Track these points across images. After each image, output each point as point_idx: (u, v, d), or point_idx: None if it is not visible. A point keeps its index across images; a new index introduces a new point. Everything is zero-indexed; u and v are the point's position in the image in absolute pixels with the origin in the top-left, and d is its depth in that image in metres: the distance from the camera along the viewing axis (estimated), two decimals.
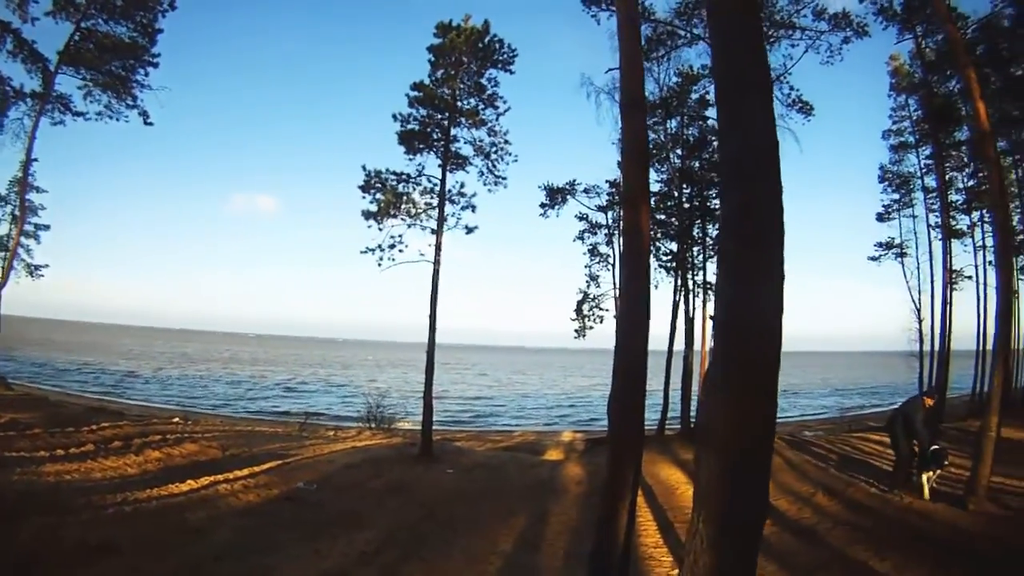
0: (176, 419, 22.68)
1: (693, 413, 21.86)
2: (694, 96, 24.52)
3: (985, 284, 27.93)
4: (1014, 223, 30.86)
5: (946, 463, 11.36)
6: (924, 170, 29.44)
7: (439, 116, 19.97)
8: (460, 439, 24.24)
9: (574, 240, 25.93)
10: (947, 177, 27.88)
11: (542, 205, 24.10)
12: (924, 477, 11.40)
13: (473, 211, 20.40)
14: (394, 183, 19.53)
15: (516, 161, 21.18)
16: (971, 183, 28.52)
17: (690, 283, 24.47)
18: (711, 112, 23.13)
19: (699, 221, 25.07)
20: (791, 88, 22.61)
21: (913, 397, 12.85)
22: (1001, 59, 25.39)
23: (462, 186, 20.25)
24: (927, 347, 27.06)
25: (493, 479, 15.02)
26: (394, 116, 19.78)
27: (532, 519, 11.48)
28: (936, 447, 11.55)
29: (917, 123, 29.60)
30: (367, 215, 19.26)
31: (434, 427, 18.55)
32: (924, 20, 24.35)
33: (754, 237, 4.14)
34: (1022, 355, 32.60)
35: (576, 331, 25.15)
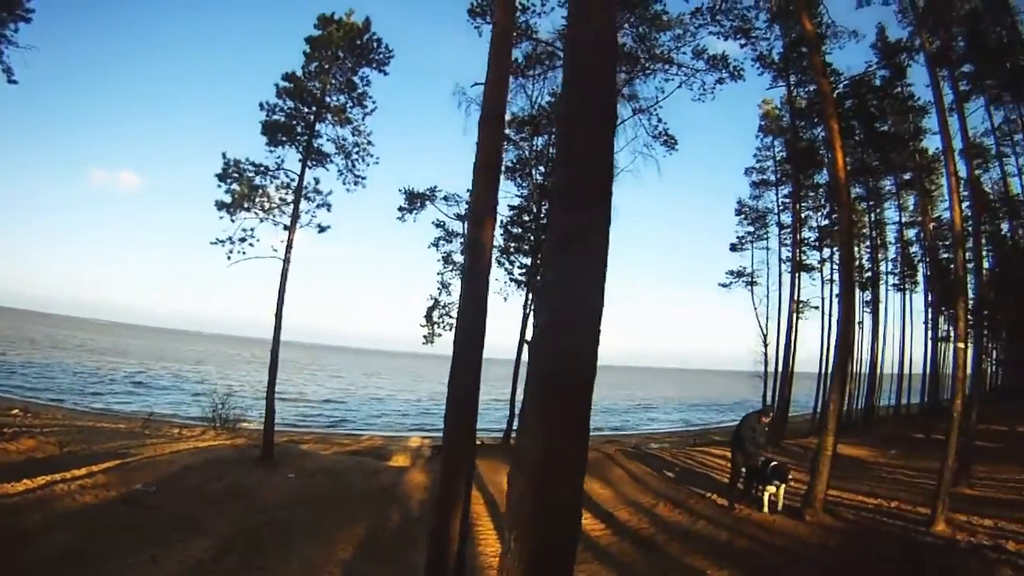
0: (15, 411, 21.17)
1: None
2: None
3: (830, 315, 30.34)
4: (865, 262, 33.62)
5: (788, 478, 11.81)
6: (781, 207, 31.52)
7: (306, 110, 19.39)
8: (307, 442, 23.43)
9: (429, 247, 25.72)
10: (802, 215, 29.82)
11: (401, 209, 23.72)
12: (766, 492, 11.84)
13: (328, 210, 19.86)
14: (252, 174, 18.77)
15: (378, 163, 20.95)
16: (825, 223, 30.81)
17: None
18: None
19: None
20: (659, 120, 23.29)
21: (749, 414, 13.34)
22: (869, 114, 27.38)
23: (317, 183, 19.67)
24: (772, 368, 28.74)
25: (336, 485, 14.63)
26: (261, 105, 19.02)
27: (373, 527, 11.33)
28: (777, 463, 12.05)
29: (780, 163, 31.72)
30: (220, 205, 18.36)
31: (282, 429, 17.91)
32: (798, 71, 25.74)
33: (578, 266, 4.08)
34: (861, 379, 35.48)
35: (425, 337, 24.86)
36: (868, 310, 34.79)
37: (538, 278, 19.67)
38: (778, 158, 31.99)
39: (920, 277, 36.84)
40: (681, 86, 22.39)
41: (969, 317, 15.74)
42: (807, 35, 15.82)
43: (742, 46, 23.57)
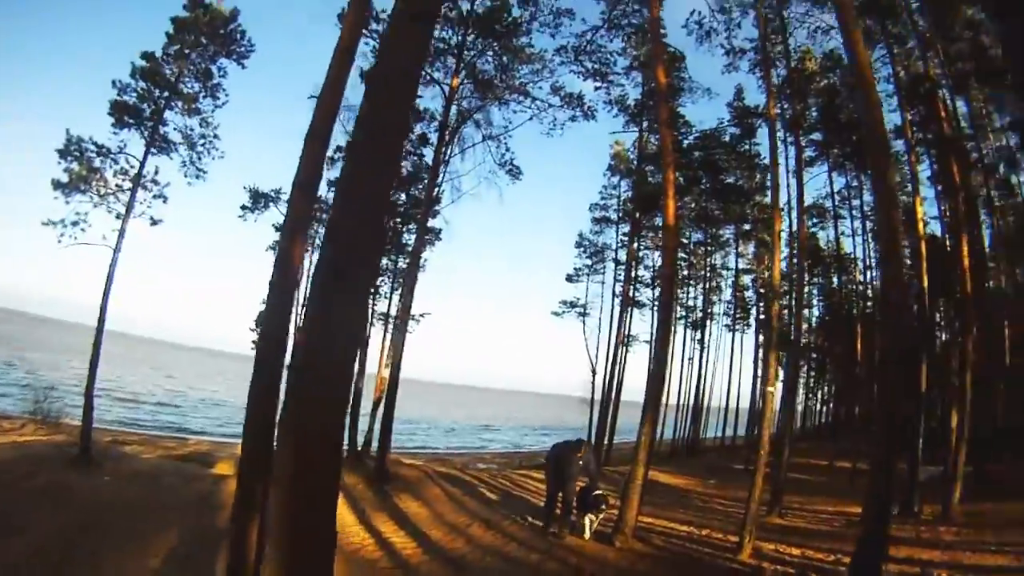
0: None
1: (360, 439, 22.79)
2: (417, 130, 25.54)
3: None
4: (699, 302, 35.59)
5: (604, 506, 12.23)
6: (619, 244, 33.08)
7: (157, 93, 18.69)
8: (132, 443, 22.28)
9: (267, 250, 25.43)
10: (639, 254, 31.67)
11: (244, 207, 23.03)
12: (586, 518, 12.18)
13: (164, 202, 19.31)
14: (93, 155, 17.84)
15: (223, 157, 20.51)
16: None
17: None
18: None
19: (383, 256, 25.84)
20: (507, 149, 24.28)
21: (565, 447, 13.59)
22: (716, 166, 28.99)
23: (157, 172, 19.08)
24: (601, 396, 29.57)
25: (154, 489, 14.17)
26: (113, 83, 18.23)
27: (187, 535, 11.09)
28: (598, 492, 12.39)
29: (623, 203, 33.13)
30: (56, 185, 17.43)
31: (108, 428, 16.87)
32: (651, 118, 26.91)
33: (343, 302, 4.21)
34: (687, 411, 37.54)
35: (254, 343, 24.39)
36: (698, 347, 37.56)
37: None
38: (622, 198, 33.36)
39: (752, 320, 39.63)
40: (532, 119, 23.50)
41: (779, 364, 16.85)
42: (659, 88, 16.59)
43: (596, 88, 24.51)
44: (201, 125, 19.70)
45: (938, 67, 21.65)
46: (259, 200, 23.72)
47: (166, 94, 18.72)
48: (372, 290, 25.01)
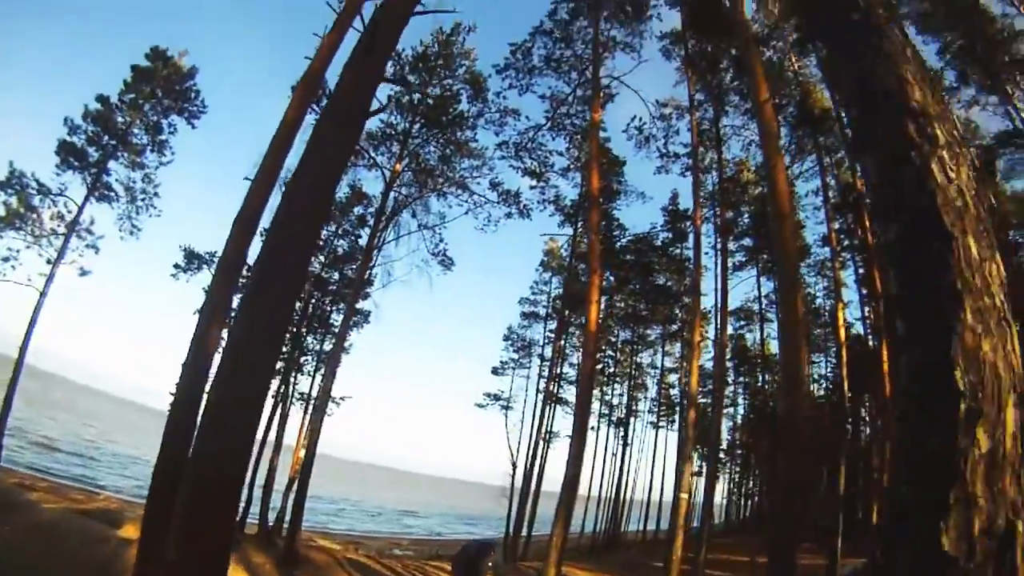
0: None
1: (271, 516, 22.29)
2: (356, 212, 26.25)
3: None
4: (623, 400, 36.37)
5: None
6: (546, 340, 33.61)
7: (106, 139, 18.74)
8: (39, 489, 21.35)
9: (194, 313, 25.00)
10: (565, 352, 32.25)
11: (176, 266, 23.02)
12: None
13: (96, 253, 19.34)
14: (33, 192, 17.81)
15: (160, 215, 20.84)
16: None
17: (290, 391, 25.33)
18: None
19: (308, 334, 26.40)
20: (441, 240, 24.77)
21: (479, 544, 13.69)
22: (647, 268, 29.99)
23: (92, 222, 19.14)
24: (520, 488, 29.36)
25: (55, 548, 13.39)
26: (65, 120, 18.43)
27: None
28: None
29: (553, 300, 33.92)
30: None
31: (15, 468, 16.23)
32: (585, 220, 27.51)
33: (235, 395, 4.51)
34: (607, 504, 37.60)
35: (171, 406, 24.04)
36: (621, 442, 37.75)
37: None
38: (552, 294, 34.20)
39: (677, 417, 40.08)
40: (468, 213, 23.97)
41: (700, 461, 17.27)
42: (591, 192, 17.38)
43: (532, 188, 25.21)
44: (144, 180, 19.90)
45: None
46: (193, 260, 23.60)
47: (114, 142, 18.88)
48: (294, 369, 25.19)
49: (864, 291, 23.16)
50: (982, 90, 25.50)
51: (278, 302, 5.34)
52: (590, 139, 18.26)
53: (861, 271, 23.94)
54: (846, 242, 25.19)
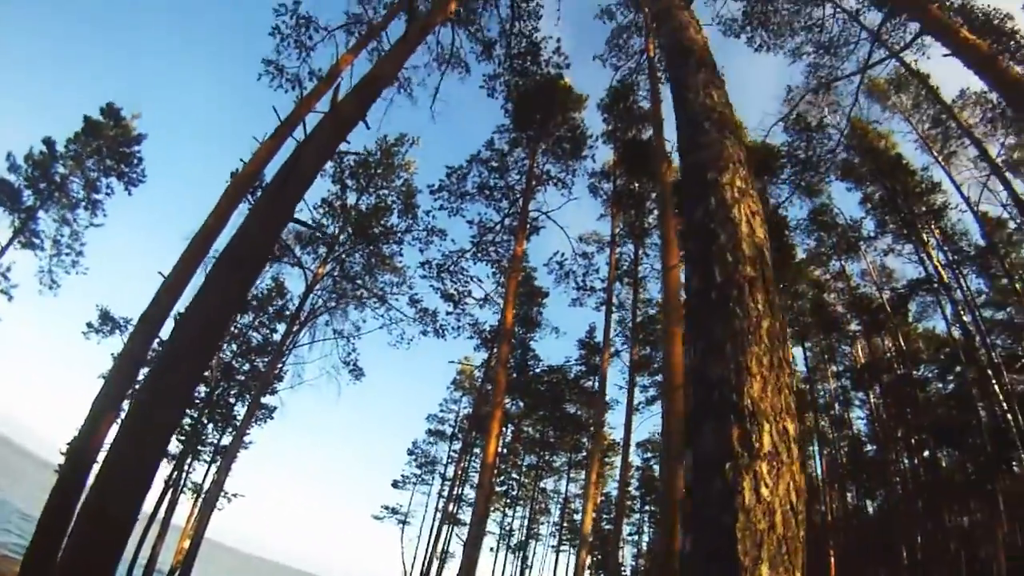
0: None
1: None
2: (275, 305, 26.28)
3: None
4: (524, 524, 36.05)
5: None
6: (449, 460, 33.83)
7: (43, 185, 18.87)
8: None
9: (98, 377, 24.16)
10: (467, 474, 31.86)
11: (89, 325, 22.14)
12: None
13: (9, 300, 19.41)
14: None
15: (86, 274, 20.58)
16: None
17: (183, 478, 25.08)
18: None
19: (209, 423, 26.18)
20: (354, 349, 24.79)
21: None
22: (558, 398, 30.42)
23: (9, 269, 19.21)
24: None
25: None
26: (8, 155, 18.66)
27: None
28: None
29: (460, 420, 34.10)
30: None
31: None
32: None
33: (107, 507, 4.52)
34: None
35: None
36: (519, 565, 37.19)
37: None
38: (461, 414, 34.39)
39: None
40: (383, 327, 23.98)
41: None
42: (504, 328, 17.52)
43: (448, 314, 24.76)
44: (71, 237, 19.58)
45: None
46: (107, 322, 22.88)
47: (51, 189, 18.65)
48: (191, 455, 24.40)
49: None
50: (899, 239, 27.49)
51: (155, 439, 5.47)
52: (510, 275, 18.60)
53: None
54: None
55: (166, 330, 9.63)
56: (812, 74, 21.34)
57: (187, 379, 6.30)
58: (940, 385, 30.33)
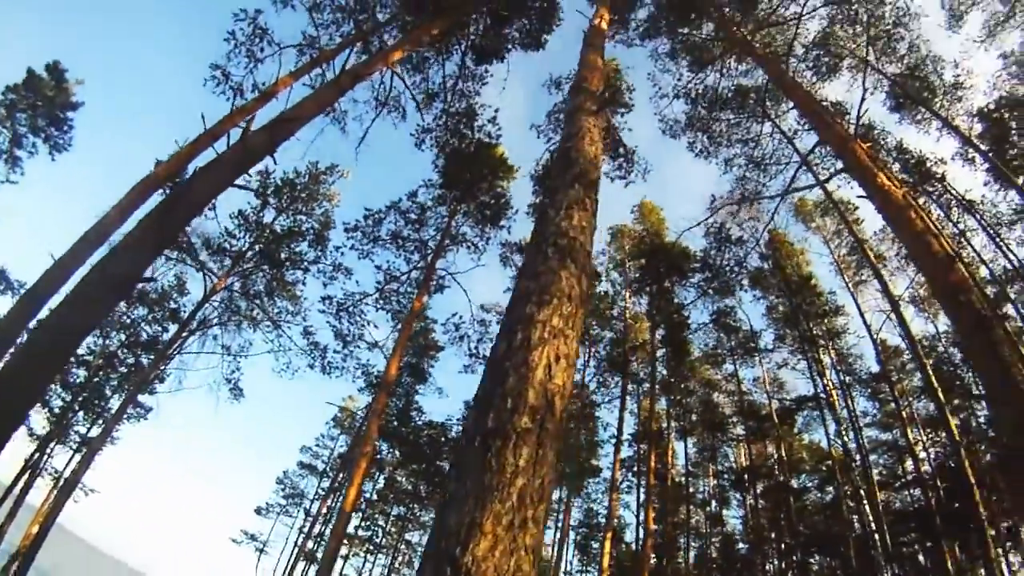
0: None
1: None
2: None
3: None
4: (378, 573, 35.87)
5: None
6: (316, 496, 33.94)
7: None
8: None
9: None
10: (332, 513, 31.93)
11: None
12: None
13: None
14: None
15: None
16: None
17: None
18: None
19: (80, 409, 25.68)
20: (238, 368, 24.73)
21: None
22: (436, 455, 30.49)
23: None
24: None
25: None
26: None
27: None
28: None
29: (334, 458, 34.34)
30: None
31: None
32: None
33: None
34: None
35: None
36: None
37: None
38: (336, 453, 34.19)
39: None
40: (272, 352, 23.76)
41: None
42: (386, 379, 17.32)
43: (336, 352, 24.26)
44: None
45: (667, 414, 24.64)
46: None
47: None
48: (54, 440, 23.59)
49: (641, 516, 24.05)
50: (795, 353, 28.34)
51: None
52: (403, 327, 18.46)
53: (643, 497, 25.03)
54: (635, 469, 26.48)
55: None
56: (740, 186, 21.77)
57: (23, 391, 6.40)
58: (819, 495, 31.27)
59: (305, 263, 23.05)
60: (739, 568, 29.78)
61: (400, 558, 37.49)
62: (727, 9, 20.01)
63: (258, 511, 33.78)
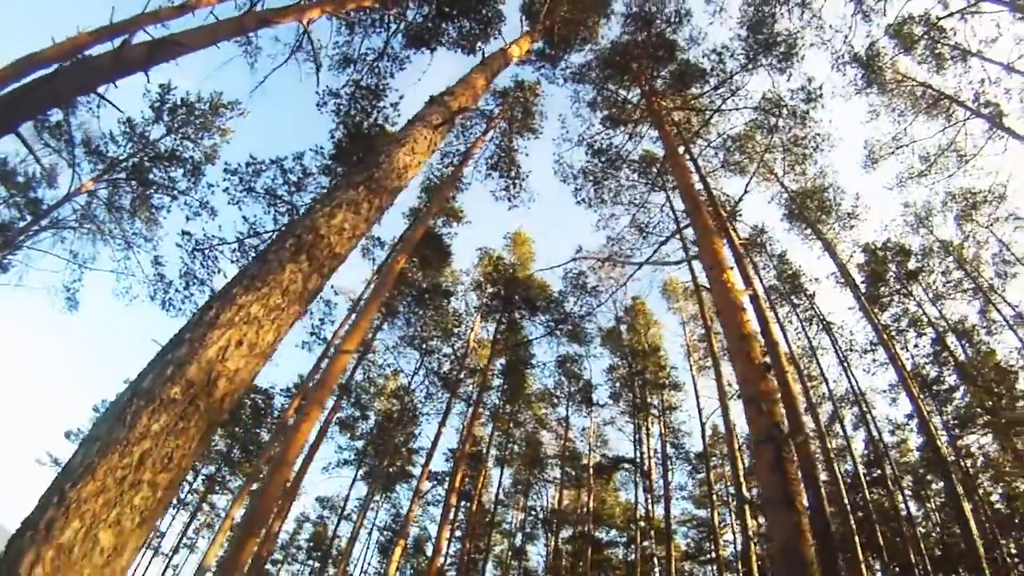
0: None
1: None
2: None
3: None
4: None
5: None
6: None
7: None
8: None
9: None
10: None
11: None
12: None
13: None
14: None
15: None
16: None
17: None
18: None
19: None
20: (80, 279, 23.59)
21: None
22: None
23: None
24: None
25: None
26: None
27: None
28: None
29: None
30: None
31: None
32: None
33: None
34: None
35: None
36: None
37: None
38: None
39: None
40: (114, 272, 22.84)
41: None
42: None
43: (178, 291, 22.90)
44: None
45: None
46: None
47: None
48: None
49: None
50: (624, 414, 29.22)
51: None
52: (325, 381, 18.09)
53: None
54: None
55: None
56: (612, 244, 22.14)
57: None
58: (625, 551, 32.41)
59: (176, 191, 22.16)
60: None
61: (202, 518, 36.63)
62: (659, 82, 20.45)
63: (68, 435, 32.62)
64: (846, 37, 20.22)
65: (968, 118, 21.23)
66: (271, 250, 4.94)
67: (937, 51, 20.97)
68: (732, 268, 12.07)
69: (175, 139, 22.73)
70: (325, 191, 5.78)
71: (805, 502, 6.88)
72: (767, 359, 9.76)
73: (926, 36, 20.73)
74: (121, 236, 22.45)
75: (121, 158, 21.84)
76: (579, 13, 20.19)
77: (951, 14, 19.22)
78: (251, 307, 4.26)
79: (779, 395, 9.09)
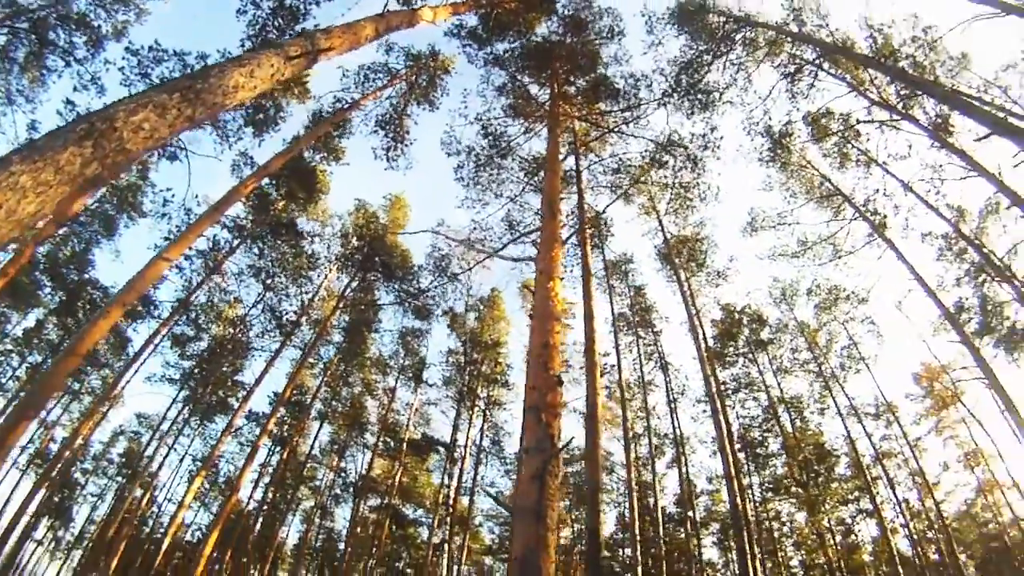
0: None
1: None
2: None
3: None
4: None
5: None
6: None
7: None
8: None
9: None
10: None
11: None
12: None
13: None
14: None
15: None
16: None
17: None
18: None
19: None
20: None
21: None
22: None
23: None
24: None
25: None
26: None
27: None
28: None
29: None
30: None
31: None
32: None
33: None
34: None
35: None
36: None
37: None
38: None
39: None
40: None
41: None
42: None
43: None
44: None
45: None
46: None
47: None
48: None
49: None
50: (449, 399, 29.44)
51: None
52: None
53: None
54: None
55: None
56: (476, 231, 21.48)
57: None
58: (428, 533, 32.63)
59: (72, 57, 20.47)
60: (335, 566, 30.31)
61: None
62: (572, 88, 20.55)
63: None
64: (767, 110, 20.96)
65: (855, 218, 22.10)
66: (63, 129, 4.90)
67: (845, 150, 21.86)
68: (561, 279, 12.32)
69: (91, 2, 21.27)
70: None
71: (554, 519, 6.94)
72: (561, 373, 9.86)
73: (840, 134, 21.55)
74: (4, 89, 20.85)
75: (31, 8, 20.23)
76: (526, 5, 19.99)
77: (871, 121, 19.82)
78: (21, 176, 4.33)
79: (561, 410, 9.18)
